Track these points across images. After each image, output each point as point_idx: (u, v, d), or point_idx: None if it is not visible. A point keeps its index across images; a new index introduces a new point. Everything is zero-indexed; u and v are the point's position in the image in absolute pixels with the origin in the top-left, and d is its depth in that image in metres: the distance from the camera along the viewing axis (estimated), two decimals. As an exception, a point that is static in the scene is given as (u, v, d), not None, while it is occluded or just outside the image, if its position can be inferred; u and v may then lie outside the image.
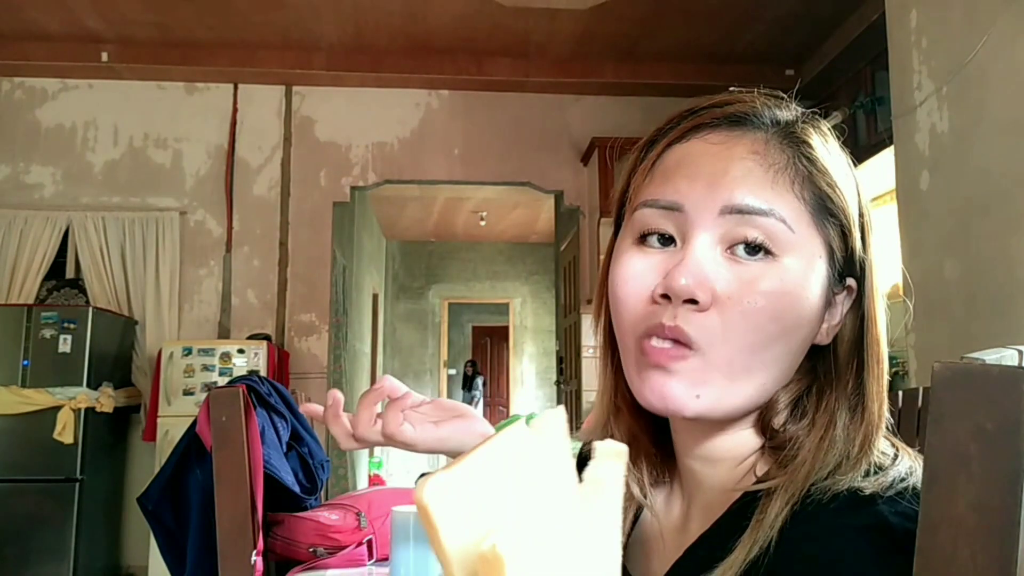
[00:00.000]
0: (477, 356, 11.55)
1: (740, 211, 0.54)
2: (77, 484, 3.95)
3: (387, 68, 4.85)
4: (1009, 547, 0.42)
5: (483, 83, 5.01)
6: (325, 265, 4.93)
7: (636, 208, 0.59)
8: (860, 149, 3.59)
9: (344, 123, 5.02)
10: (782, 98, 0.60)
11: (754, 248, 0.54)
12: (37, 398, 3.93)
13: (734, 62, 4.88)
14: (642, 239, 0.58)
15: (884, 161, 3.27)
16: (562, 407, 0.42)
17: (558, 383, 5.72)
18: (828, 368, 0.57)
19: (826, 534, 0.49)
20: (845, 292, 0.58)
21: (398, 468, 9.09)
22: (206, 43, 4.69)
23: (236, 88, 4.96)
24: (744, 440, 0.58)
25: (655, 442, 0.65)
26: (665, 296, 0.54)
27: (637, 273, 0.57)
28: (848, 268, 0.57)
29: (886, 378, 0.56)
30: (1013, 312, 2.18)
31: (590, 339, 5.04)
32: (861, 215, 0.58)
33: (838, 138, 0.61)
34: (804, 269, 0.54)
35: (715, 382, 0.53)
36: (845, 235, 0.56)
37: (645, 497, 0.64)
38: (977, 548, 0.43)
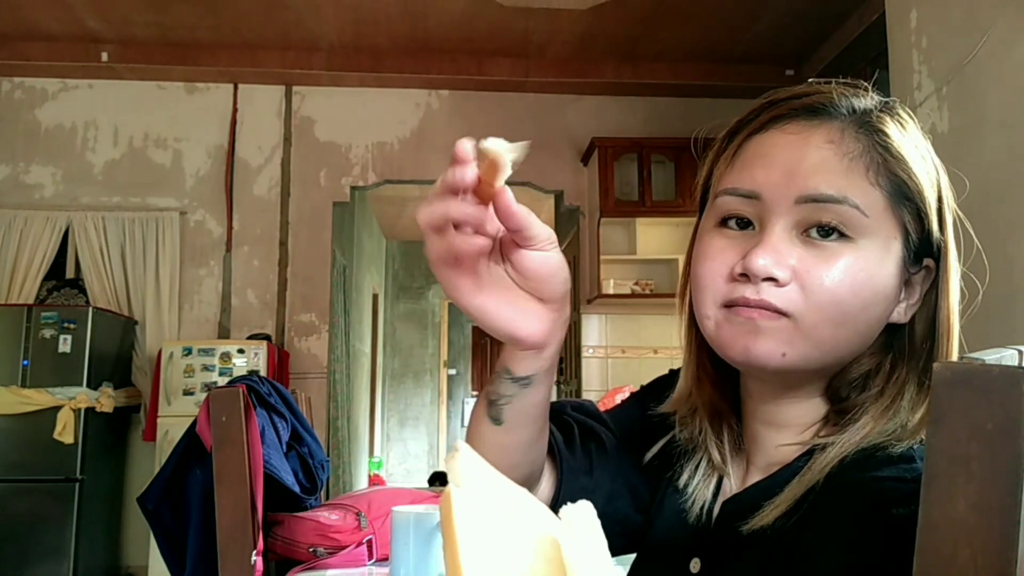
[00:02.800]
0: (477, 356, 11.55)
1: (815, 200, 0.57)
2: (77, 484, 3.95)
3: (387, 68, 4.85)
4: (1009, 547, 0.42)
5: (483, 83, 5.01)
6: (325, 265, 4.92)
7: (718, 195, 0.62)
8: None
9: (344, 123, 5.02)
10: (859, 87, 0.62)
11: (828, 230, 0.57)
12: (37, 398, 3.93)
13: (734, 62, 4.88)
14: (723, 222, 0.61)
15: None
16: (588, 503, 0.41)
17: (558, 383, 5.72)
18: (903, 344, 0.60)
19: (865, 481, 0.54)
20: (923, 272, 0.60)
21: (398, 468, 9.10)
22: (206, 43, 4.69)
23: (236, 88, 4.96)
24: (812, 407, 0.62)
25: (736, 413, 0.69)
26: (744, 275, 0.57)
27: (717, 251, 0.60)
28: (925, 249, 0.60)
29: (955, 355, 0.59)
30: (1013, 312, 2.18)
31: (590, 339, 5.04)
32: (940, 199, 0.60)
33: (920, 125, 0.63)
34: (879, 250, 0.57)
35: (801, 346, 0.57)
36: (921, 218, 0.59)
37: (725, 464, 0.67)
38: (977, 548, 0.43)
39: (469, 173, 0.50)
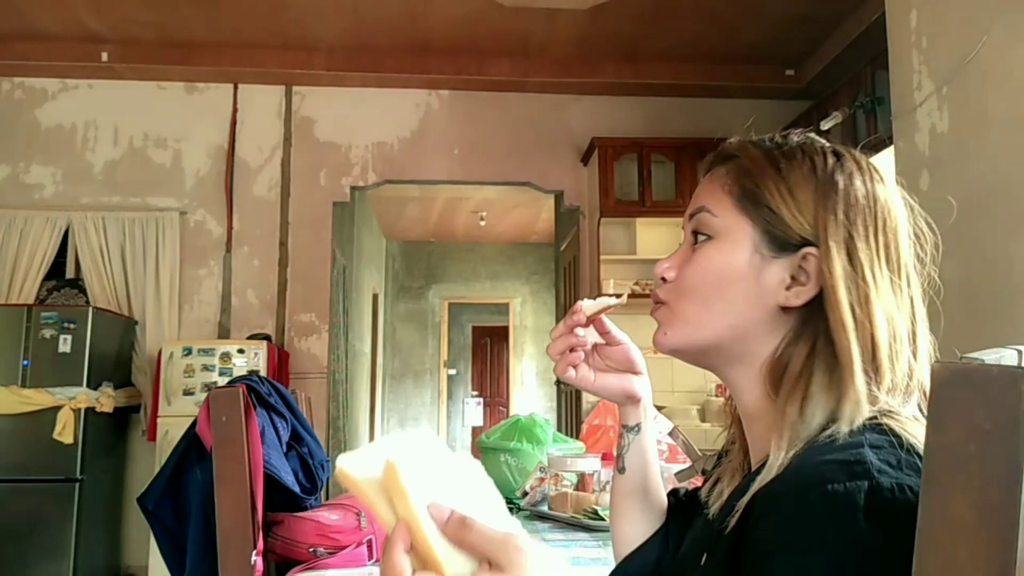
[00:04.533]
0: (477, 356, 11.56)
1: (691, 214, 0.76)
2: (77, 484, 3.95)
3: (387, 68, 4.85)
4: (1009, 547, 0.42)
5: (483, 83, 5.01)
6: (325, 265, 4.93)
7: None
8: (860, 149, 3.58)
9: (344, 123, 5.02)
10: (786, 135, 0.77)
11: (699, 235, 0.75)
12: (37, 398, 3.93)
13: (734, 62, 4.88)
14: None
15: (884, 161, 3.27)
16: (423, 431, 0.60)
17: (558, 383, 5.72)
18: (814, 331, 0.69)
19: (813, 464, 0.59)
20: (810, 259, 0.69)
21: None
22: (206, 43, 4.69)
23: (236, 88, 4.96)
24: (762, 397, 0.72)
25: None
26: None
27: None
28: (796, 240, 0.70)
29: (850, 325, 0.66)
30: (1013, 312, 2.18)
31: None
32: (817, 200, 0.70)
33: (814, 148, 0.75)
34: (730, 242, 0.72)
35: (677, 326, 0.75)
36: (779, 221, 0.70)
37: (734, 467, 0.78)
38: (977, 548, 0.43)
39: (583, 319, 0.86)
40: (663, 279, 0.76)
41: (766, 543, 0.57)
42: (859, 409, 0.63)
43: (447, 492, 0.55)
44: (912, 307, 0.70)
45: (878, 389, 0.64)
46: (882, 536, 0.52)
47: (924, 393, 0.67)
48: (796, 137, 0.76)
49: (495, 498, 0.60)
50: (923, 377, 0.68)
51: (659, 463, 0.95)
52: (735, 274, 0.71)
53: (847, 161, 0.73)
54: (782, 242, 0.70)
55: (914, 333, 0.69)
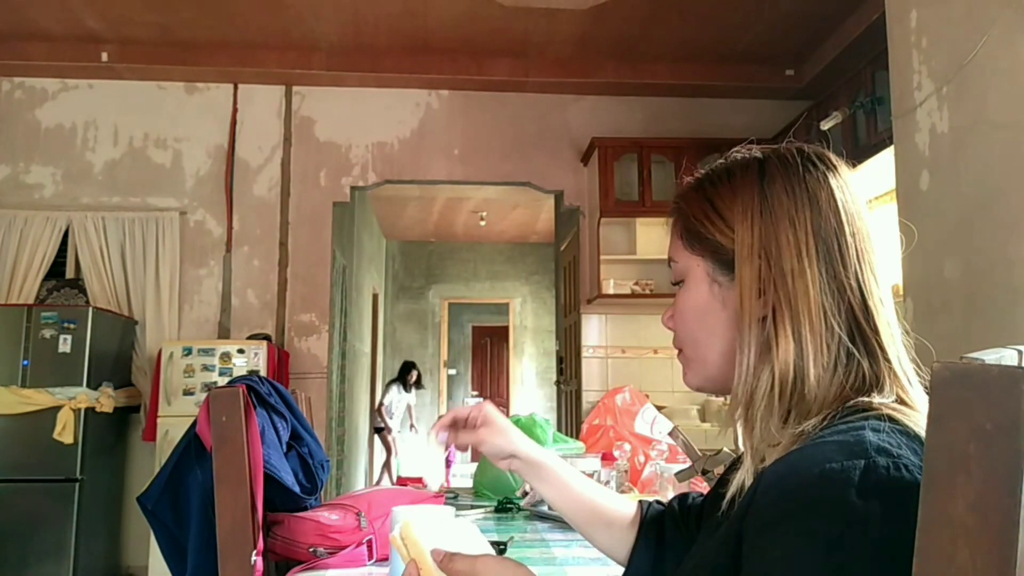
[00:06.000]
0: (477, 356, 11.56)
1: (669, 266, 0.83)
2: (77, 484, 3.95)
3: (387, 68, 4.85)
4: (1008, 547, 0.42)
5: (483, 83, 5.01)
6: (325, 265, 4.93)
7: None
8: (860, 149, 3.58)
9: (344, 123, 5.02)
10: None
11: (678, 283, 0.82)
12: (37, 398, 3.93)
13: (734, 62, 4.88)
14: None
15: (884, 161, 3.27)
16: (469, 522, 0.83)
17: (558, 383, 5.72)
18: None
19: (814, 446, 0.61)
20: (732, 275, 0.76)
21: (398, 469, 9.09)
22: (206, 43, 4.69)
23: (236, 88, 4.96)
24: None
25: None
26: None
27: None
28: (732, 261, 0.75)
29: (753, 327, 0.71)
30: (1013, 312, 2.18)
31: (590, 339, 5.03)
32: (736, 210, 0.74)
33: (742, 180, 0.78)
34: (691, 279, 0.79)
35: (691, 367, 0.81)
36: (719, 246, 0.75)
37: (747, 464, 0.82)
38: (977, 548, 0.43)
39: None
40: (671, 329, 0.83)
41: (764, 517, 0.59)
42: (814, 400, 0.67)
43: (446, 541, 0.76)
44: (864, 298, 0.70)
45: (833, 380, 0.67)
46: (876, 512, 0.54)
47: (902, 384, 0.68)
48: (737, 155, 0.79)
49: (483, 545, 0.83)
50: (904, 368, 0.69)
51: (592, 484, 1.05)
52: (704, 307, 0.77)
53: (770, 163, 0.75)
54: (730, 263, 0.74)
55: (870, 323, 0.69)
